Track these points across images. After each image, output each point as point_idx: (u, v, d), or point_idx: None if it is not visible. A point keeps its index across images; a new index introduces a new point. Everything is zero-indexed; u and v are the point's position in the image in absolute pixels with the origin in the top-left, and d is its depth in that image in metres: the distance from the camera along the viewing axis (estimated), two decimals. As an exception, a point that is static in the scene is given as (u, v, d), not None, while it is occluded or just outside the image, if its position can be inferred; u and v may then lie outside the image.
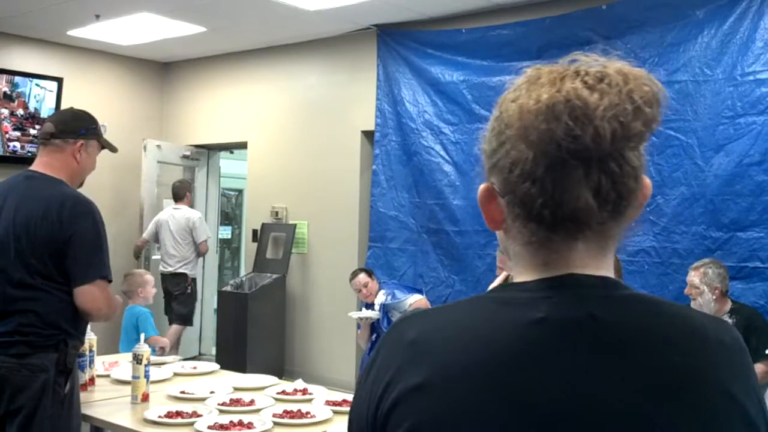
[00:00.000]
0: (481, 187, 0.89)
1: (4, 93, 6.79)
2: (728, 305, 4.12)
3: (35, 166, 2.85)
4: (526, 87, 0.83)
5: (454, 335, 0.84)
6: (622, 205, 0.83)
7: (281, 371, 6.57)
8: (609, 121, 0.78)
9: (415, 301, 5.27)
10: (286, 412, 2.90)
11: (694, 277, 4.12)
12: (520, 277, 0.88)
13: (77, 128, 2.86)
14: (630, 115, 0.79)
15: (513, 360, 0.80)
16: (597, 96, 0.79)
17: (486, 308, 0.87)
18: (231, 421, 2.74)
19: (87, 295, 2.67)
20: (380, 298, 5.34)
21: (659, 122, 0.81)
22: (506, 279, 1.21)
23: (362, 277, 5.42)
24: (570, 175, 0.80)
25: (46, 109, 6.98)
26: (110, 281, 2.75)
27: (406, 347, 0.85)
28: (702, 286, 4.05)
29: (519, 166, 0.83)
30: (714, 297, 4.04)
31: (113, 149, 3.05)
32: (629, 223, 0.87)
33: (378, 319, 5.29)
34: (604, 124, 0.78)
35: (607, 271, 0.87)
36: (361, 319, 5.36)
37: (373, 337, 5.40)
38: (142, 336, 3.23)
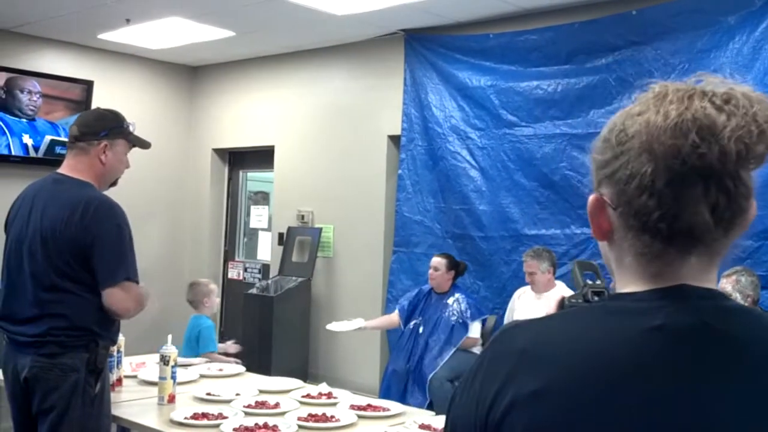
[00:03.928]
0: (591, 197, 0.92)
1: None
2: (758, 315, 4.06)
3: (62, 169, 2.87)
4: (653, 103, 0.86)
5: (568, 343, 0.86)
6: (734, 223, 0.87)
7: (305, 374, 6.57)
8: (735, 142, 0.81)
9: (467, 337, 5.20)
10: (310, 415, 2.91)
11: (726, 284, 4.07)
12: (626, 288, 0.91)
13: (99, 129, 2.86)
14: (755, 137, 0.82)
15: (631, 367, 0.82)
16: (724, 117, 0.82)
17: (597, 317, 0.89)
18: (256, 424, 2.75)
19: (113, 297, 2.69)
20: (458, 305, 5.28)
21: None
22: (561, 302, 1.24)
23: (438, 261, 5.35)
24: (690, 190, 0.83)
25: None
26: (137, 282, 2.77)
27: (517, 355, 0.87)
28: (735, 294, 4.00)
29: (638, 178, 0.85)
30: (746, 305, 3.99)
31: (145, 146, 3.04)
32: (734, 241, 0.90)
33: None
34: (730, 144, 0.81)
35: (713, 284, 0.90)
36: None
37: (412, 323, 5.36)
38: (162, 339, 3.25)
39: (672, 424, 0.79)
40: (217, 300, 4.91)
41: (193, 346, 4.60)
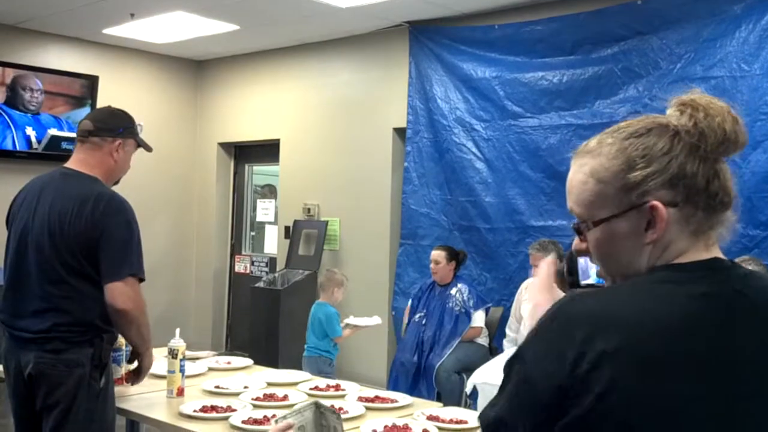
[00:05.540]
0: (656, 205, 1.12)
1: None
2: (766, 304, 4.06)
3: (71, 163, 2.85)
4: (690, 111, 1.16)
5: (632, 307, 1.09)
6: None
7: (313, 367, 6.59)
8: (744, 135, 1.16)
9: (471, 327, 5.23)
10: (318, 407, 2.91)
11: (732, 274, 4.06)
12: (677, 260, 1.15)
13: (116, 127, 2.87)
14: (744, 133, 1.17)
15: (687, 323, 1.07)
16: (736, 119, 1.16)
17: (651, 286, 1.12)
18: (265, 416, 2.76)
19: (115, 291, 2.65)
20: (461, 295, 5.31)
21: None
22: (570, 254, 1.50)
23: (437, 254, 5.40)
24: (727, 170, 1.16)
25: None
26: (142, 280, 2.74)
27: (589, 319, 1.07)
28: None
29: (702, 169, 1.13)
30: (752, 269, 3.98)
31: (148, 149, 3.06)
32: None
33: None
34: (746, 137, 1.16)
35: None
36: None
37: (417, 316, 5.38)
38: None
39: (718, 364, 1.05)
40: (342, 295, 5.25)
41: (317, 330, 5.09)
